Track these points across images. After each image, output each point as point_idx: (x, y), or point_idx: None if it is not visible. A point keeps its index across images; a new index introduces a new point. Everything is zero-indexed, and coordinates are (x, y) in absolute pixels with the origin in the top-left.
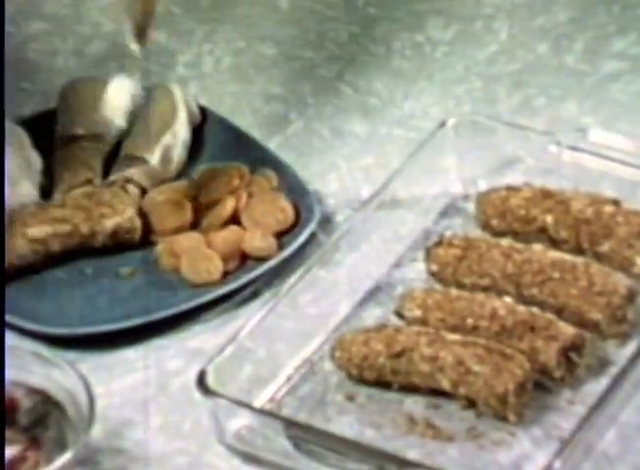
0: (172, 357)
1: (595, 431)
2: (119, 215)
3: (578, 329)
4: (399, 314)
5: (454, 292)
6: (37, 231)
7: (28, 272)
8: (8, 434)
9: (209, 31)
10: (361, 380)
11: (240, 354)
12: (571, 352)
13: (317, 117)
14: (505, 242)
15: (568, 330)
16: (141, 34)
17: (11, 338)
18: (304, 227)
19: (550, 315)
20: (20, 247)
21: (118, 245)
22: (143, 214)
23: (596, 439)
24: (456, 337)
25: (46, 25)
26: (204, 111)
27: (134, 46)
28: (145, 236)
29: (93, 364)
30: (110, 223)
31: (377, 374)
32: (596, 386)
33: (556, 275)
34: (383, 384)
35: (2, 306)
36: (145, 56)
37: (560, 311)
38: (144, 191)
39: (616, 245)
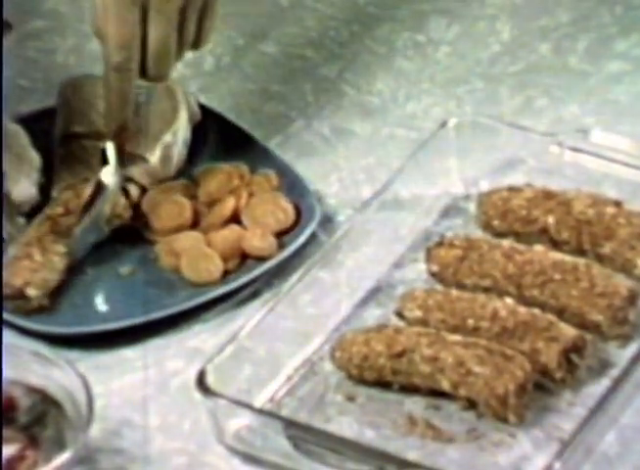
0: (172, 357)
1: (595, 432)
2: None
3: (579, 330)
4: (400, 315)
5: (455, 292)
6: (62, 246)
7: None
8: (7, 433)
9: None
10: (361, 380)
11: (239, 354)
12: (571, 354)
13: (318, 117)
14: (506, 243)
15: (569, 331)
16: (118, 137)
17: (10, 337)
18: (305, 227)
19: (551, 316)
20: (58, 264)
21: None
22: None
23: (596, 440)
24: (457, 338)
25: (45, 23)
26: (204, 109)
27: (110, 147)
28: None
29: (92, 364)
30: (115, 221)
31: (377, 374)
32: (597, 387)
33: (557, 276)
34: (383, 384)
35: (0, 306)
36: None
37: (561, 313)
38: (144, 190)
39: (617, 246)
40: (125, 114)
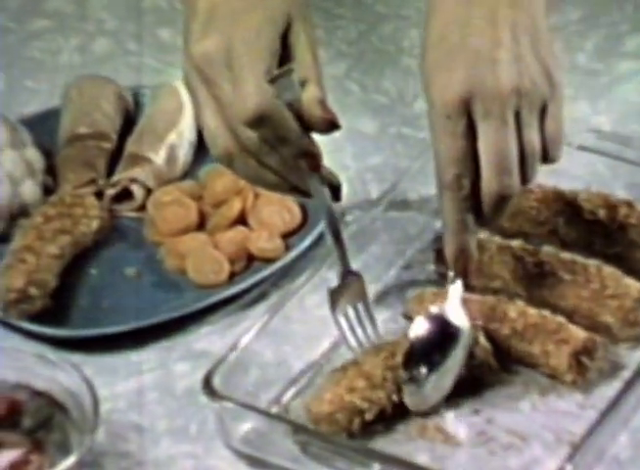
0: (178, 360)
1: (607, 435)
2: (94, 211)
3: (590, 332)
4: (408, 317)
5: (464, 294)
6: (54, 248)
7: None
8: (11, 437)
9: None
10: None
11: (246, 357)
12: (582, 356)
13: None
14: (516, 244)
15: (579, 333)
16: (458, 264)
17: (15, 340)
18: (312, 228)
19: (561, 318)
20: (53, 266)
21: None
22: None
23: (608, 443)
24: None
25: (49, 23)
26: None
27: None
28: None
29: (98, 367)
30: (95, 222)
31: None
32: (608, 390)
33: (567, 278)
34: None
35: None
36: (150, 53)
37: (571, 314)
38: (149, 191)
39: (628, 247)
40: (463, 239)
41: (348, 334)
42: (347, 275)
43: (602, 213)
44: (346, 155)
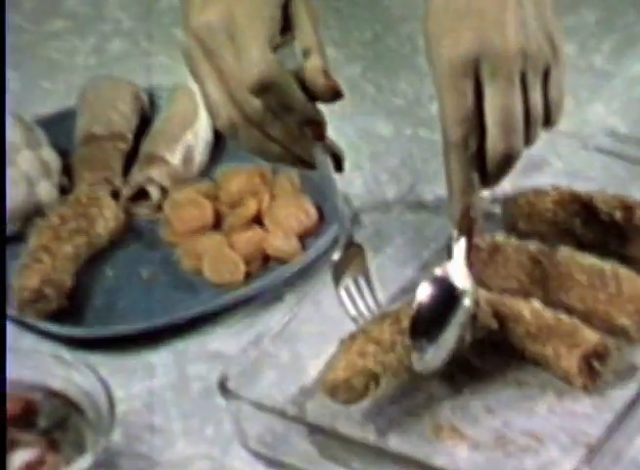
0: (194, 360)
1: (624, 437)
2: (110, 211)
3: (606, 335)
4: None
5: (481, 292)
6: (69, 248)
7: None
8: (27, 437)
9: None
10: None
11: (262, 358)
12: (593, 360)
13: (341, 117)
14: (532, 245)
15: (591, 337)
16: (463, 225)
17: (31, 340)
18: (328, 229)
19: (576, 321)
20: (69, 266)
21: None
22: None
23: (625, 445)
24: None
25: (66, 23)
26: None
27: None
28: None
29: (114, 367)
30: (111, 222)
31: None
32: (624, 392)
33: (584, 280)
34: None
35: (3, 301)
36: (165, 54)
37: (588, 317)
38: (165, 191)
39: None
40: (469, 198)
41: (350, 307)
42: (350, 247)
43: (618, 215)
44: (362, 156)
